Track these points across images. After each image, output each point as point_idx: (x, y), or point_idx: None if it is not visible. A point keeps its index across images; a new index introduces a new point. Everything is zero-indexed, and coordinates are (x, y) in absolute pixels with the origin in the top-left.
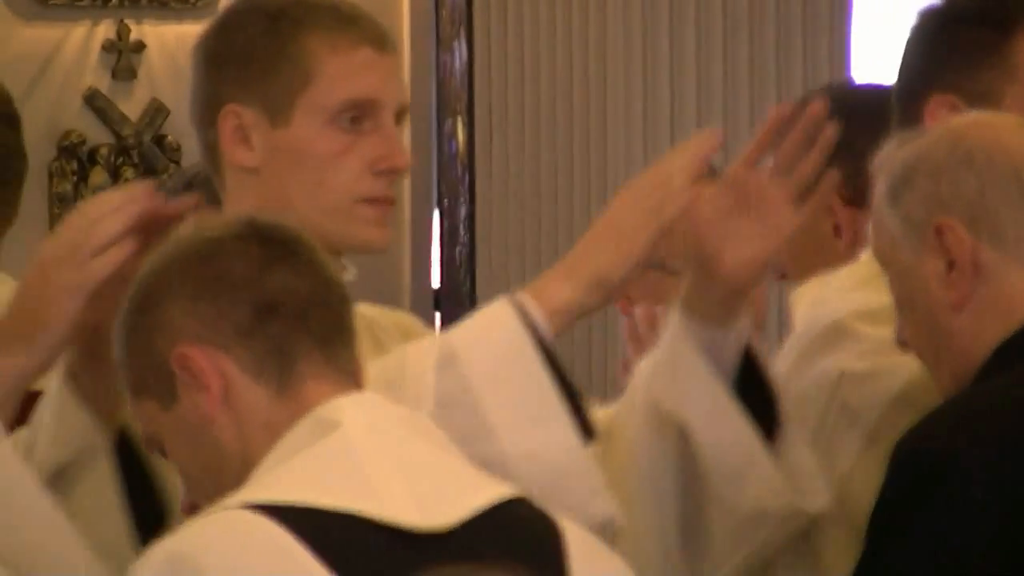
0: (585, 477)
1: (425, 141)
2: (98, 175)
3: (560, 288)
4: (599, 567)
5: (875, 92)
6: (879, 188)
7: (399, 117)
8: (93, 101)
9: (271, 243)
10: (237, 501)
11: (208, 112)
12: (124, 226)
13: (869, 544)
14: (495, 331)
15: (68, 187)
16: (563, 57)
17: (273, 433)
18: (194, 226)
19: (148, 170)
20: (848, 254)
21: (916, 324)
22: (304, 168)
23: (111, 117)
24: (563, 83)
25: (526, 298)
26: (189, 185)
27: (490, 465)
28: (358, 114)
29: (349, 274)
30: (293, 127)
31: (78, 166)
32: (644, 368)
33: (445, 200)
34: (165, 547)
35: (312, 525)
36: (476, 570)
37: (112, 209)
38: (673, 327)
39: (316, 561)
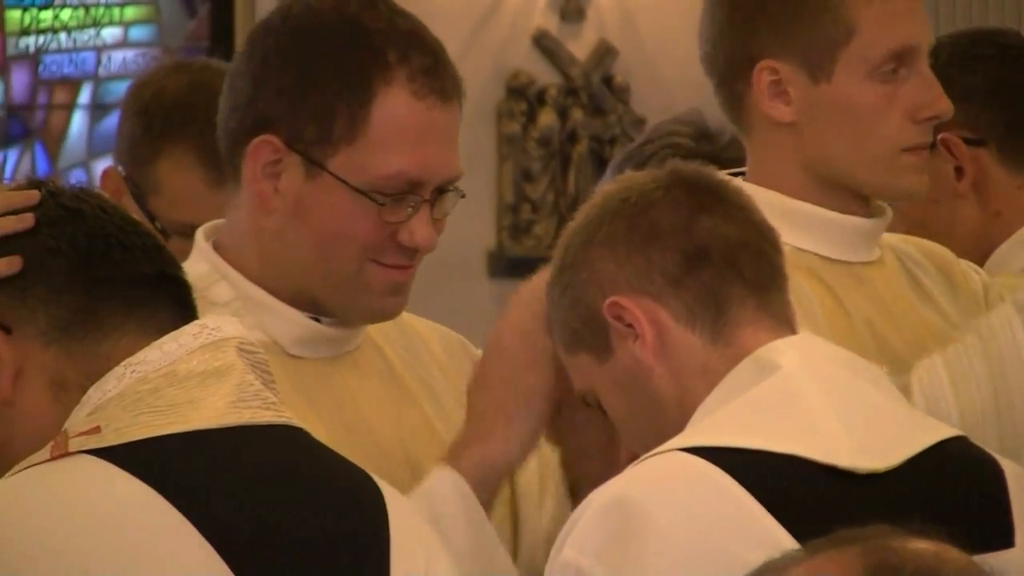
0: None
1: None
2: (546, 116)
3: None
4: None
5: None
6: None
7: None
8: (542, 42)
9: (699, 191)
10: (674, 444)
11: (736, 65)
12: None
13: None
14: None
15: (517, 128)
16: None
17: (710, 379)
18: (619, 179)
19: (596, 110)
20: (970, 195)
21: None
22: (847, 122)
23: (560, 58)
24: None
25: None
26: (622, 166)
27: None
28: (898, 64)
29: (886, 216)
30: (835, 82)
31: (527, 107)
32: None
33: None
34: (608, 490)
35: (750, 467)
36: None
37: None
38: None
39: (754, 502)
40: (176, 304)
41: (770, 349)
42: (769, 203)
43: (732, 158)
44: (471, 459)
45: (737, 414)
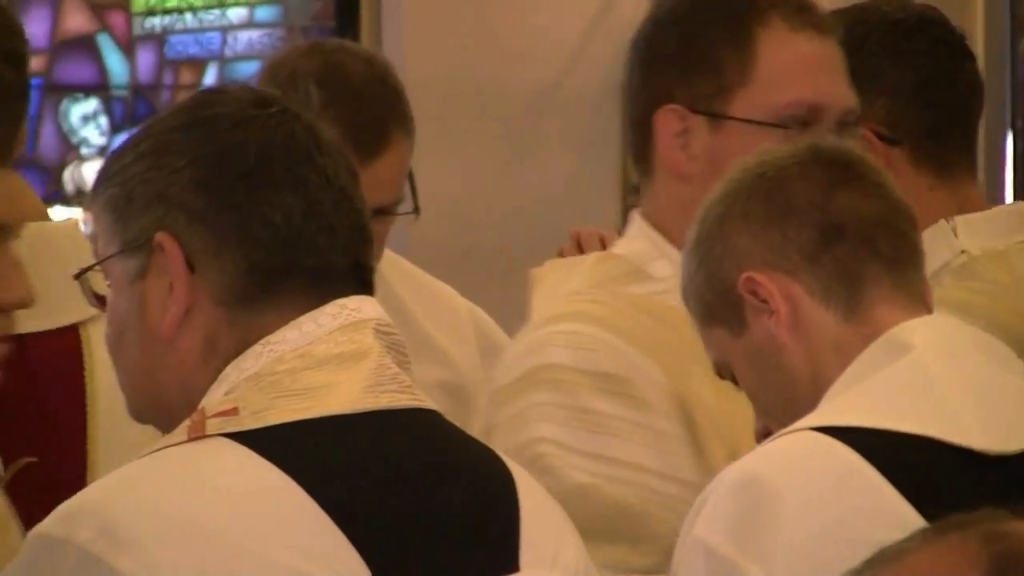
0: None
1: (998, 61)
2: None
3: None
4: None
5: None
6: None
7: None
8: None
9: (836, 166)
10: (806, 424)
11: None
12: None
13: None
14: None
15: None
16: None
17: (843, 357)
18: (757, 154)
19: None
20: None
21: None
22: None
23: None
24: None
25: None
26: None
27: None
28: None
29: None
30: None
31: None
32: None
33: (1019, 121)
34: (739, 469)
35: (882, 448)
36: None
37: None
38: None
39: (886, 483)
40: (354, 288)
41: (903, 329)
42: None
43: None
44: None
45: (869, 394)
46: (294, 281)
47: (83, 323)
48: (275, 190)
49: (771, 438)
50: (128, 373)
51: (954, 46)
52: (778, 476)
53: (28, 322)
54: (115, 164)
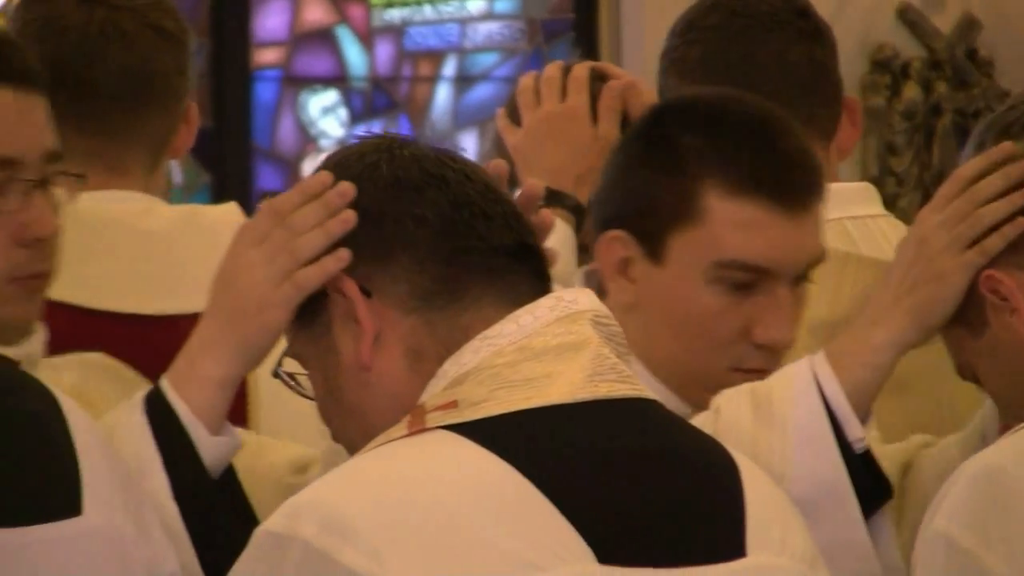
0: None
1: None
2: (910, 89)
3: None
4: None
5: None
6: None
7: None
8: (906, 15)
9: None
10: None
11: None
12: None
13: None
14: None
15: (881, 101)
16: None
17: None
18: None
19: (960, 84)
20: None
21: None
22: None
23: (923, 31)
24: None
25: None
26: (983, 135)
27: None
28: None
29: None
30: None
31: (891, 80)
32: None
33: None
34: (980, 461)
35: None
36: None
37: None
38: None
39: None
40: (533, 276)
41: None
42: None
43: None
44: None
45: None
46: (471, 268)
47: None
48: (417, 191)
49: (1011, 431)
50: (345, 431)
51: (760, 19)
52: (1019, 468)
53: (185, 303)
54: None
